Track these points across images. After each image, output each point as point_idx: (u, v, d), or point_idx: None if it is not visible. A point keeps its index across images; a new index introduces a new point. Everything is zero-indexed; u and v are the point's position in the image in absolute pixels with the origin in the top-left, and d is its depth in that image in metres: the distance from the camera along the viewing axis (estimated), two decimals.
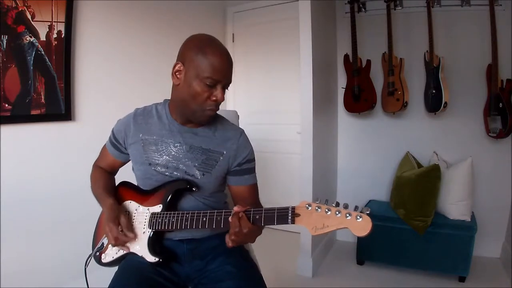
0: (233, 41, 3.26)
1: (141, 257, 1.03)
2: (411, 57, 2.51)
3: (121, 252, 1.07)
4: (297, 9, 2.22)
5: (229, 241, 0.90)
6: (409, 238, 2.22)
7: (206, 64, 0.95)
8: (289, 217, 0.84)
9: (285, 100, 3.03)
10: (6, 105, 1.60)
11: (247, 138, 1.13)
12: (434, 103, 2.33)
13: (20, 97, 1.65)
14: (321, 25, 2.40)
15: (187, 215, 0.98)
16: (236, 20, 3.23)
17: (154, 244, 1.03)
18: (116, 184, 1.23)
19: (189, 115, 1.04)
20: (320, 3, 2.36)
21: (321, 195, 0.84)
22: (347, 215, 0.79)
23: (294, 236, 2.62)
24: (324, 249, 2.55)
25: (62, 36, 1.79)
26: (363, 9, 2.65)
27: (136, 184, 1.16)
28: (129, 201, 1.12)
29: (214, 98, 0.99)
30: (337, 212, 0.80)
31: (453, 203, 2.18)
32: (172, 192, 1.04)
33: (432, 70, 2.32)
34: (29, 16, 1.64)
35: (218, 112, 1.16)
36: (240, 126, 1.23)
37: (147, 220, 1.05)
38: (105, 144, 1.22)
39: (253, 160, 1.13)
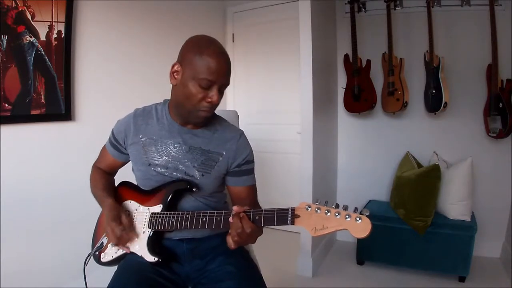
0: (233, 41, 3.26)
1: (141, 257, 1.03)
2: (411, 57, 2.51)
3: (121, 252, 1.07)
4: (297, 9, 2.22)
5: (231, 243, 0.90)
6: (409, 238, 2.22)
7: (202, 65, 0.95)
8: (289, 218, 0.84)
9: (285, 100, 3.03)
10: (6, 105, 1.60)
11: (247, 140, 1.13)
12: (434, 103, 2.33)
13: (20, 97, 1.65)
14: (321, 25, 2.40)
15: (187, 215, 0.98)
16: (236, 20, 3.23)
17: (154, 244, 1.03)
18: (116, 184, 1.23)
19: (185, 116, 1.04)
20: (320, 3, 2.36)
21: (321, 195, 0.84)
22: (347, 216, 0.79)
23: (294, 236, 2.62)
24: (324, 249, 2.55)
25: (62, 36, 1.79)
26: (363, 9, 2.65)
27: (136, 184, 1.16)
28: (129, 201, 1.12)
29: (209, 100, 0.98)
30: (337, 214, 0.80)
31: (453, 203, 2.18)
32: (172, 192, 1.04)
33: (432, 70, 2.32)
34: (29, 16, 1.64)
35: (218, 113, 1.17)
36: (240, 126, 1.23)
37: (147, 220, 1.05)
38: (104, 145, 1.22)
39: (252, 161, 1.13)
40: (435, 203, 2.19)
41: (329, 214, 0.81)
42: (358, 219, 0.78)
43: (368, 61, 2.54)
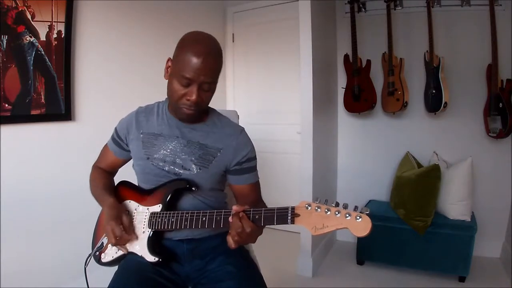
0: (233, 41, 3.26)
1: (141, 257, 1.03)
2: (411, 57, 2.51)
3: (121, 252, 1.07)
4: (297, 9, 2.22)
5: (232, 242, 0.89)
6: (409, 238, 2.22)
7: (183, 62, 0.95)
8: (289, 217, 0.84)
9: (285, 100, 3.03)
10: (6, 105, 1.60)
11: (247, 137, 1.13)
12: (434, 103, 2.33)
13: (20, 97, 1.64)
14: (321, 25, 2.40)
15: (187, 215, 0.98)
16: (236, 20, 3.23)
17: (154, 243, 1.03)
18: (116, 184, 1.23)
19: (174, 111, 1.06)
20: (320, 3, 2.36)
21: (321, 195, 0.84)
22: (347, 215, 0.79)
23: (294, 236, 2.62)
24: (324, 249, 2.55)
25: (62, 36, 1.79)
26: (363, 9, 2.65)
27: (136, 182, 1.16)
28: (129, 200, 1.12)
29: (187, 98, 0.97)
30: (337, 212, 0.80)
31: (453, 203, 2.18)
32: (172, 191, 1.04)
33: (432, 70, 2.32)
34: (29, 16, 1.64)
35: (219, 111, 1.17)
36: None
37: (147, 220, 1.05)
38: (106, 143, 1.23)
39: (254, 158, 1.12)
40: (435, 203, 2.19)
41: (329, 213, 0.80)
42: (358, 217, 0.78)
43: (368, 61, 2.54)
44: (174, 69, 0.98)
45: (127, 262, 1.06)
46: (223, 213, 0.94)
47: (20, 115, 1.65)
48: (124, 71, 2.17)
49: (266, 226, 0.92)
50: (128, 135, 1.14)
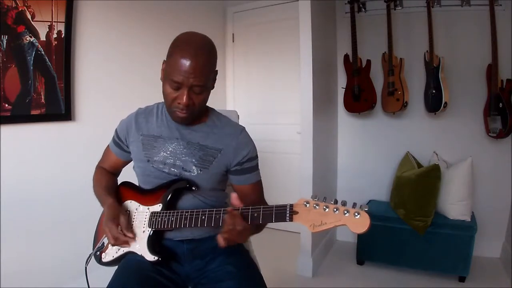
0: (233, 41, 3.26)
1: (141, 256, 1.03)
2: (411, 57, 2.51)
3: (121, 252, 1.07)
4: (297, 9, 2.22)
5: (221, 240, 0.88)
6: (409, 238, 2.22)
7: (171, 66, 0.94)
8: (287, 215, 0.84)
9: (285, 100, 3.03)
10: (6, 105, 1.60)
11: (248, 136, 1.12)
12: (434, 103, 2.33)
13: (20, 97, 1.65)
14: (321, 25, 2.40)
15: (186, 214, 0.98)
16: (236, 20, 3.23)
17: (154, 243, 1.03)
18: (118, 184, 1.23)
19: (169, 114, 1.05)
20: (320, 3, 2.36)
21: (321, 195, 0.84)
22: (345, 212, 0.79)
23: (294, 236, 2.62)
24: (324, 249, 2.55)
25: (62, 36, 1.79)
26: (363, 9, 2.65)
27: (138, 183, 1.17)
28: (130, 200, 1.12)
29: (178, 102, 0.97)
30: (335, 209, 0.80)
31: (453, 203, 2.18)
32: (172, 191, 1.04)
33: (432, 70, 2.32)
34: (29, 16, 1.64)
35: (219, 111, 1.17)
36: None
37: (147, 219, 1.05)
38: (108, 144, 1.23)
39: (255, 158, 1.12)
40: (435, 203, 2.19)
41: (327, 210, 0.80)
42: (356, 214, 0.77)
43: (368, 61, 2.54)
44: (165, 72, 0.98)
45: (127, 261, 1.06)
46: (222, 212, 0.94)
47: (20, 115, 1.65)
48: (124, 71, 2.17)
49: (266, 225, 0.92)
50: (128, 137, 1.14)
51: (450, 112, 2.44)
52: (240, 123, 1.24)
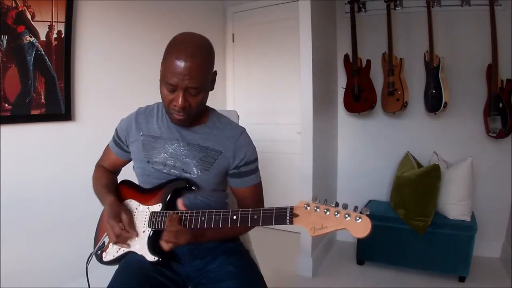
0: (233, 41, 3.26)
1: (141, 256, 1.03)
2: (411, 57, 2.51)
3: (122, 251, 1.07)
4: (297, 9, 2.22)
5: (163, 243, 0.94)
6: (409, 238, 2.22)
7: (167, 67, 0.93)
8: (287, 218, 0.83)
9: (285, 100, 3.03)
10: (6, 105, 1.60)
11: (248, 138, 1.11)
12: (434, 103, 2.33)
13: (20, 97, 1.65)
14: (321, 25, 2.40)
15: (186, 214, 0.97)
16: (236, 20, 3.23)
17: (154, 243, 1.03)
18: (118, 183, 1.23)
19: (167, 115, 1.04)
20: (320, 3, 2.36)
21: (321, 195, 0.83)
22: (346, 215, 0.77)
23: (294, 236, 2.61)
24: (324, 249, 2.55)
25: (62, 36, 1.79)
26: (363, 9, 2.65)
27: (137, 183, 1.16)
28: (130, 200, 1.12)
29: (174, 104, 0.96)
30: (336, 213, 0.78)
31: (453, 203, 2.18)
32: (172, 191, 1.04)
33: (432, 70, 2.32)
34: (29, 16, 1.64)
35: (219, 111, 1.17)
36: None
37: (147, 219, 1.05)
38: (108, 143, 1.23)
39: (254, 161, 1.10)
40: (435, 203, 2.19)
41: (328, 213, 0.79)
42: (357, 218, 0.76)
43: (368, 61, 2.54)
44: (161, 74, 0.97)
45: (127, 261, 1.06)
46: (222, 213, 0.93)
47: (20, 115, 1.65)
48: (124, 71, 2.17)
49: (265, 226, 0.92)
50: (128, 137, 1.14)
51: (450, 112, 2.44)
52: (240, 123, 1.23)
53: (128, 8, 2.16)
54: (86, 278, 1.07)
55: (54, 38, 1.75)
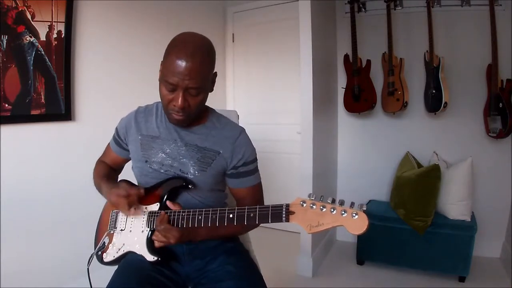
0: (233, 41, 3.26)
1: (141, 256, 1.03)
2: (411, 57, 2.51)
3: (122, 251, 1.07)
4: (297, 9, 2.22)
5: (155, 241, 0.98)
6: (409, 238, 2.21)
7: (166, 67, 0.93)
8: (283, 215, 0.82)
9: (285, 100, 3.03)
10: (6, 105, 1.60)
11: (246, 139, 1.10)
12: (434, 103, 2.33)
13: (20, 97, 1.65)
14: (321, 25, 2.40)
15: (183, 214, 0.97)
16: (236, 20, 3.23)
17: (153, 243, 1.03)
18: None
19: (166, 115, 1.04)
20: (320, 3, 2.36)
21: (320, 195, 0.83)
22: (343, 212, 0.76)
23: (294, 236, 2.61)
24: (324, 249, 2.55)
25: (62, 36, 1.79)
26: (363, 9, 2.65)
27: (137, 183, 1.16)
28: None
29: (174, 104, 0.95)
30: (332, 209, 0.77)
31: (453, 203, 2.18)
32: (168, 190, 1.04)
33: (432, 70, 2.32)
34: (29, 16, 1.64)
35: (218, 111, 1.17)
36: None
37: (145, 219, 1.05)
38: (109, 142, 1.24)
39: (252, 162, 1.10)
40: (435, 203, 2.19)
41: (324, 210, 0.78)
42: (354, 214, 0.75)
43: (368, 61, 2.54)
44: (161, 73, 0.97)
45: (127, 260, 1.06)
46: (218, 212, 0.93)
47: (20, 115, 1.65)
48: (124, 71, 2.17)
49: (264, 225, 0.92)
50: (127, 136, 1.14)
51: (450, 112, 2.44)
52: (240, 123, 1.23)
53: (128, 8, 2.16)
54: (87, 279, 1.07)
55: (54, 38, 1.75)
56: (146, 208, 1.06)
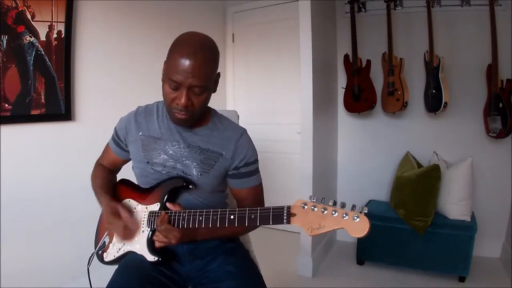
0: (233, 41, 3.26)
1: (141, 256, 1.03)
2: (411, 57, 2.51)
3: (122, 251, 1.07)
4: (297, 9, 2.22)
5: (156, 242, 0.98)
6: (409, 238, 2.21)
7: (170, 65, 0.92)
8: (284, 217, 0.82)
9: (285, 100, 3.03)
10: (6, 105, 1.60)
11: (248, 140, 1.10)
12: (434, 103, 2.33)
13: (20, 97, 1.65)
14: (321, 25, 2.40)
15: (184, 214, 0.97)
16: (236, 20, 3.23)
17: (153, 243, 1.03)
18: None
19: (168, 115, 1.04)
20: (320, 3, 2.36)
21: (321, 195, 0.83)
22: (344, 215, 0.76)
23: (294, 236, 2.61)
24: (324, 249, 2.55)
25: (62, 36, 1.79)
26: (363, 9, 2.65)
27: (137, 183, 1.16)
28: (128, 199, 1.12)
29: (177, 102, 0.95)
30: (334, 212, 0.77)
31: (453, 203, 2.18)
32: (169, 190, 1.04)
33: (432, 70, 2.32)
34: (29, 16, 1.64)
35: (219, 111, 1.16)
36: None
37: (146, 219, 1.05)
38: (108, 142, 1.23)
39: (254, 162, 1.10)
40: (435, 203, 2.19)
41: (325, 212, 0.78)
42: (355, 217, 0.75)
43: (368, 61, 2.54)
44: (164, 72, 0.96)
45: (127, 260, 1.06)
46: (219, 213, 0.93)
47: (20, 115, 1.65)
48: (124, 71, 2.17)
49: (264, 226, 0.92)
50: (127, 136, 1.13)
51: (450, 112, 2.44)
52: (240, 123, 1.23)
53: (128, 8, 2.16)
54: (87, 279, 1.07)
55: (54, 38, 1.75)
56: (146, 208, 1.06)
